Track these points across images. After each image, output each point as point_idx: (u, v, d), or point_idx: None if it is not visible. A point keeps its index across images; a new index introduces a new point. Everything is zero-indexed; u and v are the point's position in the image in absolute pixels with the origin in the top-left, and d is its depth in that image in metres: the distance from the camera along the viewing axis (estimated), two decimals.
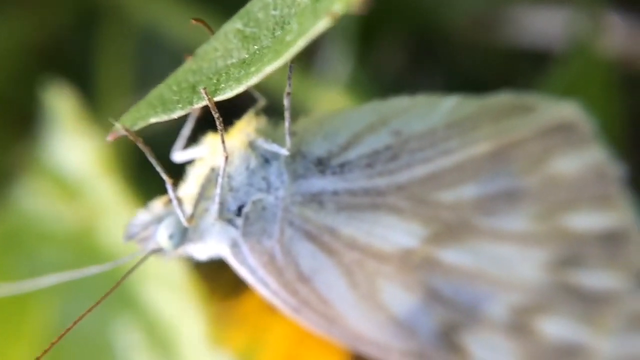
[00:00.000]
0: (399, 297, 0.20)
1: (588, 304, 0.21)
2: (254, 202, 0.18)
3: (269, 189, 0.18)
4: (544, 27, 0.32)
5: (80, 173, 0.25)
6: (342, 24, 0.28)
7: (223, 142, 0.16)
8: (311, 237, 0.18)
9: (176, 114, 0.14)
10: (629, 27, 0.32)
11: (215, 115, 0.15)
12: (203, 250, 0.18)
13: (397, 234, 0.20)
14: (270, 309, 0.27)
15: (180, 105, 0.14)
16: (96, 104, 0.29)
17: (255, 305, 0.28)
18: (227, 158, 0.17)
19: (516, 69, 0.32)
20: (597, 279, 0.22)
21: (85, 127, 0.25)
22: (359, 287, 0.19)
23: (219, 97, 0.15)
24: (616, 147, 0.23)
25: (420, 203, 0.20)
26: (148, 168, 0.17)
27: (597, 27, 0.29)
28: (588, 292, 0.21)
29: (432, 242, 0.20)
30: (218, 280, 0.27)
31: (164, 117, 0.14)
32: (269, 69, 0.13)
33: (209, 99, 0.15)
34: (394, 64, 0.33)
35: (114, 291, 0.17)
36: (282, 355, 0.27)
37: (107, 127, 0.17)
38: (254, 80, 0.14)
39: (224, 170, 0.17)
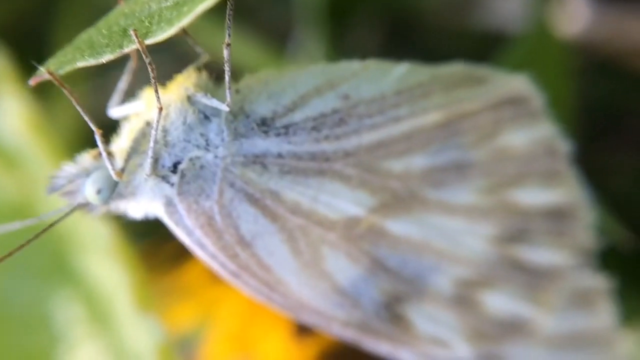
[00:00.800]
0: (342, 266, 0.19)
1: (532, 279, 0.21)
2: (191, 160, 0.17)
3: (207, 146, 0.17)
4: (517, 10, 0.32)
5: (21, 143, 0.24)
6: (315, 6, 0.27)
7: (157, 91, 0.15)
8: (253, 200, 0.17)
9: (105, 58, 0.13)
10: (595, 13, 0.31)
11: (147, 60, 0.14)
12: (137, 208, 0.17)
13: (344, 201, 0.19)
14: (220, 283, 0.27)
15: (109, 49, 0.13)
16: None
17: (206, 278, 0.27)
18: (161, 110, 0.16)
19: (490, 53, 0.32)
20: (542, 255, 0.21)
21: (25, 96, 0.24)
22: (302, 254, 0.19)
23: (151, 40, 0.14)
24: (568, 126, 0.23)
25: (368, 171, 0.19)
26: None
27: (557, 11, 0.29)
28: (533, 267, 0.21)
29: (379, 211, 0.19)
30: (161, 252, 0.26)
31: (91, 62, 0.13)
32: (201, 7, 0.12)
33: (139, 42, 0.14)
34: (367, 47, 0.32)
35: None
36: (233, 331, 0.27)
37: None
38: (185, 20, 0.13)
39: (158, 122, 0.16)
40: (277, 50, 0.28)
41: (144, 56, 0.14)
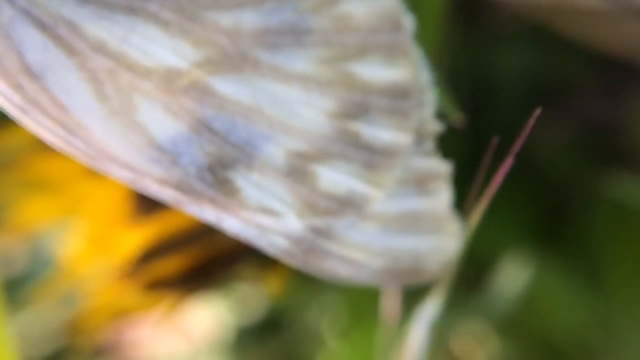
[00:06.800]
0: (159, 119, 0.16)
1: (369, 157, 0.19)
2: None
3: None
4: None
5: None
6: None
7: None
8: (41, 25, 0.14)
9: None
10: None
11: None
12: None
13: (160, 48, 0.16)
14: (87, 179, 0.24)
15: None
16: None
17: (70, 173, 0.24)
18: None
19: None
20: (380, 133, 0.19)
21: None
22: (108, 99, 0.16)
23: None
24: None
25: (190, 20, 0.16)
26: None
27: None
28: (369, 145, 0.19)
29: (205, 67, 0.16)
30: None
31: None
32: None
33: None
34: None
35: None
36: (96, 231, 0.23)
37: None
38: None
39: None
40: None
41: None
